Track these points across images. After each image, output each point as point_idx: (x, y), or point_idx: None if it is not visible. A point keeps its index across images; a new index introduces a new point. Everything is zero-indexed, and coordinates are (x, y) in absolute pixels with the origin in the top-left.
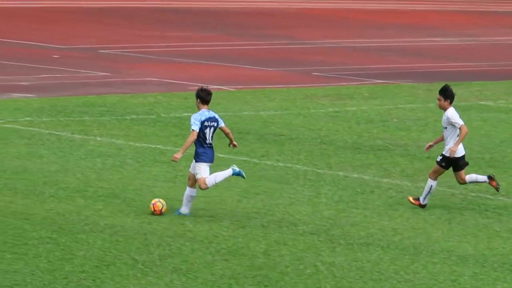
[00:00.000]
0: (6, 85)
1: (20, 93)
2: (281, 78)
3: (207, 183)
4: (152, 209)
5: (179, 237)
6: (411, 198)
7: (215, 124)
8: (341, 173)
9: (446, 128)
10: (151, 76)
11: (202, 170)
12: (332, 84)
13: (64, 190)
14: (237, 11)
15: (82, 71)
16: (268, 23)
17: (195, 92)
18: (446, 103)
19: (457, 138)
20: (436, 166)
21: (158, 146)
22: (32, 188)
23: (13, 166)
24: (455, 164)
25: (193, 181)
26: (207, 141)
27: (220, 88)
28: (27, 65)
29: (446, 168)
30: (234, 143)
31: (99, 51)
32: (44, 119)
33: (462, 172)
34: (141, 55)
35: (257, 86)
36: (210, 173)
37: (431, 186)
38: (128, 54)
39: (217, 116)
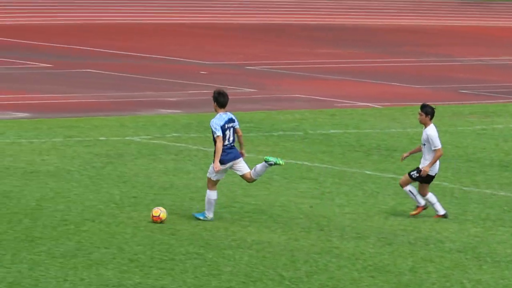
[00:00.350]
0: (153, 101)
1: (167, 109)
2: (429, 95)
3: (208, 193)
4: (156, 217)
5: (325, 253)
6: (413, 212)
7: (233, 125)
8: (487, 191)
9: (424, 145)
10: (298, 93)
11: (214, 172)
12: (479, 101)
13: None
14: (385, 28)
15: (229, 87)
16: (416, 40)
17: (212, 96)
18: (427, 119)
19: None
20: (407, 178)
21: (305, 163)
22: (179, 204)
23: (160, 181)
24: (428, 179)
25: (248, 177)
26: (226, 142)
27: (367, 105)
28: (174, 81)
29: (420, 182)
30: (243, 151)
31: (246, 67)
32: (191, 135)
33: (427, 186)
34: (288, 72)
35: (404, 104)
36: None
37: (410, 190)
38: (275, 70)
39: (233, 117)
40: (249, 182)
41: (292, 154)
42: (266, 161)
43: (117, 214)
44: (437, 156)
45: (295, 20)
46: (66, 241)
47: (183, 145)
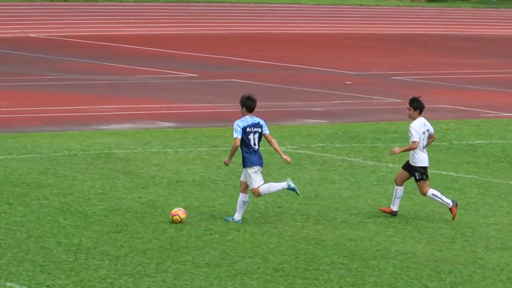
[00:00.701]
0: (299, 111)
1: (312, 119)
2: None
3: (260, 192)
4: (178, 219)
5: (470, 264)
6: (452, 215)
7: (259, 130)
8: None
9: (410, 137)
10: (443, 103)
11: (254, 178)
12: None
13: (356, 216)
14: None
15: (375, 97)
16: None
17: (240, 100)
18: (415, 113)
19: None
20: (418, 184)
21: (450, 173)
22: (324, 214)
23: (305, 191)
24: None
25: (244, 187)
26: (252, 147)
27: None
28: (320, 91)
29: (427, 177)
30: (284, 157)
31: (392, 77)
32: (336, 145)
33: (406, 179)
34: (433, 82)
35: None
36: (264, 182)
37: (434, 194)
38: (420, 80)
39: (261, 122)
40: (254, 194)
41: (437, 164)
42: (288, 184)
43: (261, 224)
44: (410, 147)
45: (439, 30)
46: (211, 251)
47: (328, 155)
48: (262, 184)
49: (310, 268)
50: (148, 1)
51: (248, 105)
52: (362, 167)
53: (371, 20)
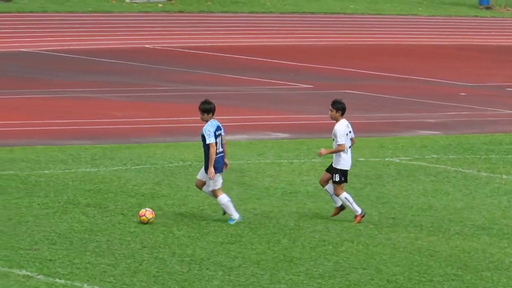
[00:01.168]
0: (412, 122)
1: (426, 130)
2: None
3: (219, 200)
4: (145, 220)
5: None
6: (356, 221)
7: (222, 133)
8: None
9: (334, 140)
10: None
11: (214, 181)
12: None
13: (470, 228)
14: None
15: (490, 108)
16: None
17: (202, 106)
18: (337, 115)
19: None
20: (334, 185)
21: None
22: (437, 225)
23: (419, 202)
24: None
25: (201, 186)
26: (219, 151)
27: None
28: (433, 102)
29: (346, 180)
30: (226, 160)
31: (507, 89)
32: (450, 156)
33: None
34: None
35: None
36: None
37: (346, 197)
38: None
39: (221, 125)
40: (214, 195)
41: None
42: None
43: (375, 235)
44: (339, 149)
45: None
46: (324, 262)
47: (442, 166)
48: (221, 192)
49: (423, 279)
50: (263, 13)
51: (212, 109)
52: (476, 179)
53: (486, 32)
